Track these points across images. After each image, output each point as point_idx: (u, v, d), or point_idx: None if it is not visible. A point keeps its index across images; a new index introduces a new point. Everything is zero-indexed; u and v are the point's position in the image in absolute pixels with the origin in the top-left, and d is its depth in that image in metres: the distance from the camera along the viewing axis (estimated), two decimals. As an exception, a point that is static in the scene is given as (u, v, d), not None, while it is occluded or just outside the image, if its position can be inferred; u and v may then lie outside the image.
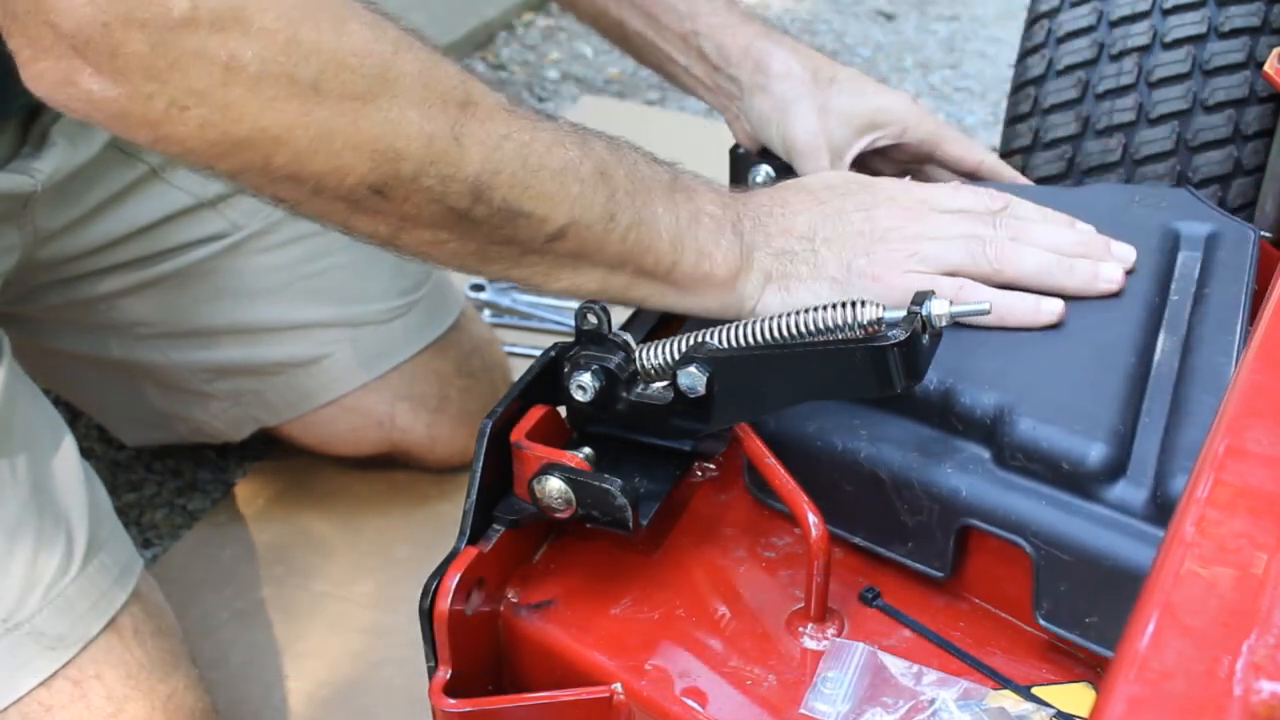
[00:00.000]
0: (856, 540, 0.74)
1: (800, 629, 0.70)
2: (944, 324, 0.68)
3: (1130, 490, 0.67)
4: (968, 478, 0.70)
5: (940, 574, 0.72)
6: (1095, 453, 0.67)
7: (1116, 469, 0.67)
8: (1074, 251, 0.81)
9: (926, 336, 0.68)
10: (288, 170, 0.65)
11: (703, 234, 0.77)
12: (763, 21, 1.01)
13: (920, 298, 0.68)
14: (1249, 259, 0.85)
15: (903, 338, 0.66)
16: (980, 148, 1.02)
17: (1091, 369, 0.74)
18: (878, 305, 0.69)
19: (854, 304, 0.70)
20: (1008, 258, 0.80)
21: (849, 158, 0.97)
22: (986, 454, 0.71)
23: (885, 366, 0.66)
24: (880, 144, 0.99)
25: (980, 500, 0.69)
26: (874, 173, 1.02)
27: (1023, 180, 1.03)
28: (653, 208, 0.76)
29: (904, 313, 0.68)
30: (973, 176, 1.02)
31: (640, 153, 0.78)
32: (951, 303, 0.68)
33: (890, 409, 0.74)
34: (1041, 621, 0.68)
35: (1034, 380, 0.72)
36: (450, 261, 0.74)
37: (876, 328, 0.69)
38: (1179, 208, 0.92)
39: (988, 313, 0.70)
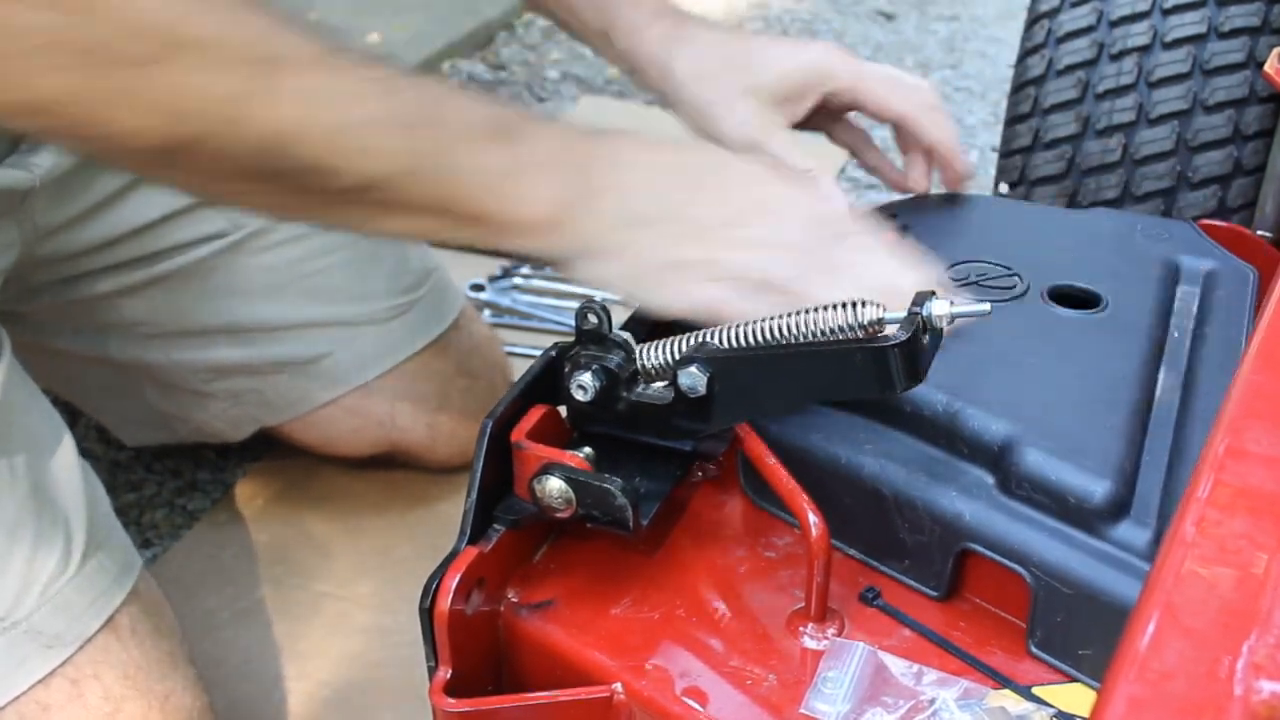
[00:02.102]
0: (852, 553, 0.75)
1: (800, 629, 0.70)
2: (944, 324, 0.68)
3: (1134, 530, 0.67)
4: (971, 503, 0.69)
5: (936, 594, 0.72)
6: (1102, 490, 0.67)
7: (1122, 507, 0.67)
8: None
9: (927, 337, 0.68)
10: (87, 131, 0.68)
11: (519, 184, 0.76)
12: (674, 11, 0.99)
13: (920, 298, 0.68)
14: (1249, 300, 0.85)
15: (904, 338, 0.66)
16: (900, 98, 0.98)
17: (1097, 402, 0.73)
18: (878, 306, 0.69)
19: (854, 304, 0.69)
20: (813, 288, 0.76)
21: (783, 136, 0.95)
22: (991, 480, 0.71)
23: (886, 367, 0.66)
24: (810, 105, 0.97)
25: (983, 526, 0.69)
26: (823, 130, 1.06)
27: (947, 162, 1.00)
28: (461, 158, 0.75)
29: (905, 313, 0.68)
30: (897, 130, 1.01)
31: (473, 98, 0.77)
32: (952, 303, 0.68)
33: (895, 426, 0.74)
34: (1034, 650, 0.68)
35: (1042, 409, 0.72)
36: (263, 210, 0.77)
37: (877, 328, 0.69)
38: (1181, 241, 0.92)
39: (989, 314, 0.70)
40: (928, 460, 0.72)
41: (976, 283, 0.85)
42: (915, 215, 0.97)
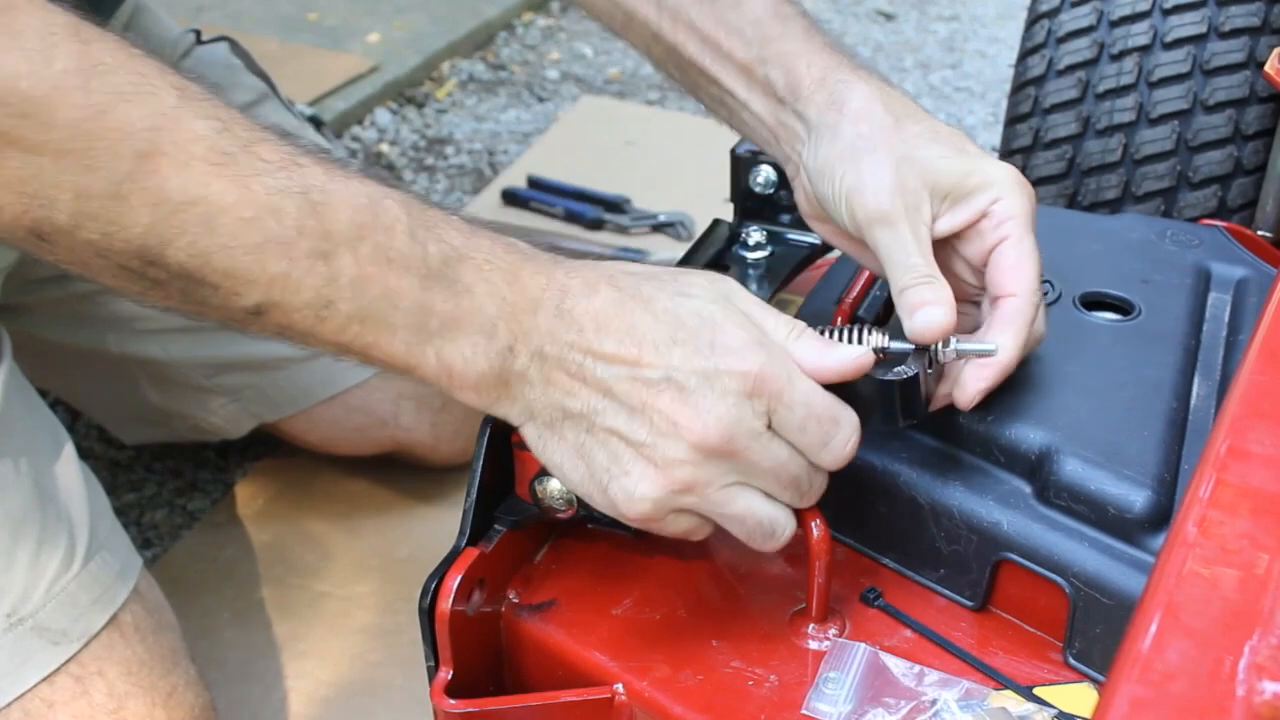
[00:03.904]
0: (887, 563, 0.74)
1: (802, 629, 0.70)
2: (950, 359, 0.68)
3: None
4: (1009, 512, 0.69)
5: (972, 604, 0.71)
6: (1142, 500, 0.67)
7: (1162, 517, 0.67)
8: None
9: (931, 371, 0.67)
10: None
11: (451, 347, 0.64)
12: (849, 53, 0.81)
13: None
14: None
15: (909, 375, 0.65)
16: (1026, 280, 0.71)
17: (1134, 410, 0.73)
18: (883, 334, 0.69)
19: (858, 329, 0.69)
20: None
21: (927, 232, 0.73)
22: (1028, 489, 0.70)
23: (890, 401, 0.66)
24: (961, 220, 0.73)
25: (1021, 536, 0.68)
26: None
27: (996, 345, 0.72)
28: (387, 302, 0.63)
29: (909, 345, 0.67)
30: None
31: (420, 224, 0.64)
32: (958, 339, 0.68)
33: (932, 434, 0.74)
34: (1071, 661, 0.68)
35: (1078, 418, 0.72)
36: (176, 312, 0.65)
37: (881, 356, 0.68)
38: (1212, 247, 0.91)
39: (994, 353, 0.69)
40: (964, 469, 0.72)
41: None
42: None
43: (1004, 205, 0.72)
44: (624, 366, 0.63)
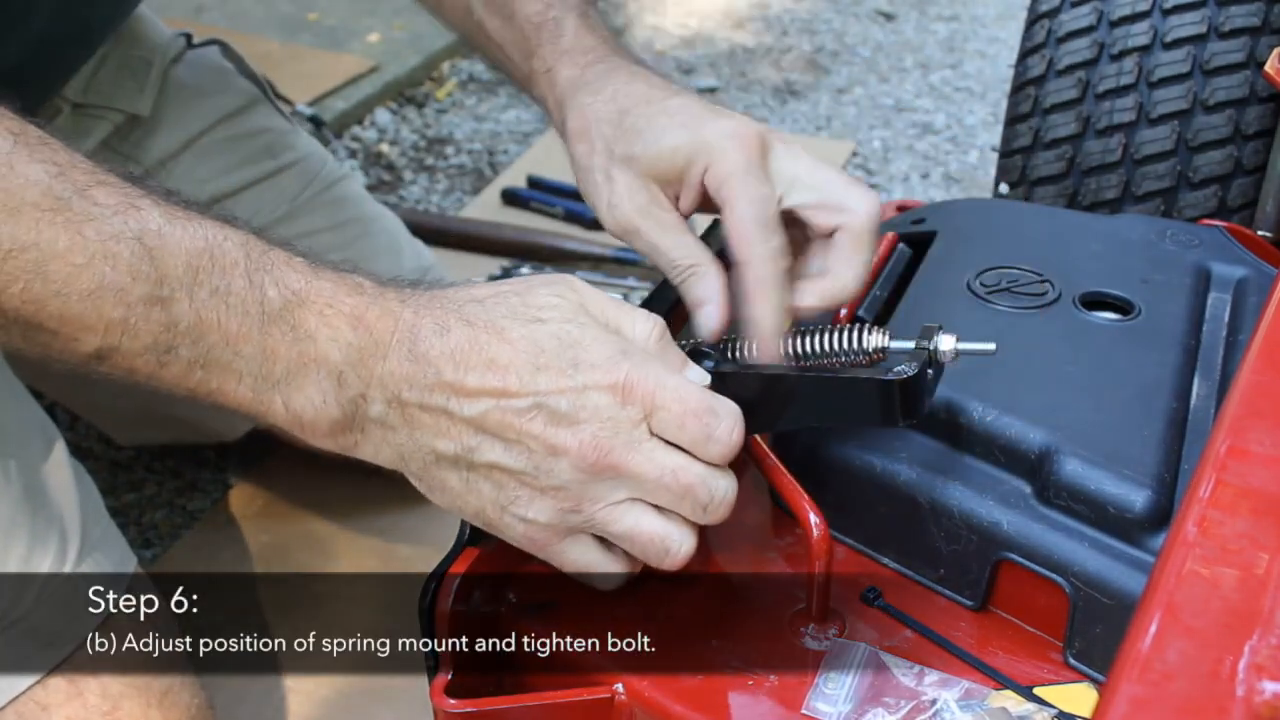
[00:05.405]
0: (886, 563, 0.74)
1: (802, 629, 0.70)
2: (949, 359, 0.68)
3: None
4: (1009, 512, 0.69)
5: (972, 604, 0.71)
6: (1142, 499, 0.67)
7: (1162, 517, 0.67)
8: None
9: (931, 371, 0.67)
10: None
11: (300, 395, 0.64)
12: (597, 46, 0.80)
13: (928, 331, 0.67)
14: None
15: (910, 374, 0.65)
16: (760, 238, 0.70)
17: (1134, 410, 0.73)
18: (884, 334, 0.69)
19: (859, 329, 0.69)
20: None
21: (668, 220, 0.74)
22: (1028, 489, 0.70)
23: (890, 400, 0.66)
24: (690, 201, 0.74)
25: (1021, 536, 0.68)
26: None
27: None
28: (228, 347, 0.63)
29: (911, 344, 0.67)
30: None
31: (259, 267, 0.64)
32: (958, 339, 0.68)
33: (932, 434, 0.74)
34: (1071, 661, 0.68)
35: (1078, 418, 0.72)
36: (14, 351, 0.66)
37: (881, 355, 0.69)
38: (1212, 247, 0.91)
39: (994, 353, 0.69)
40: (964, 469, 0.72)
41: (1008, 289, 0.84)
42: (944, 221, 0.96)
43: (714, 171, 0.72)
44: (491, 400, 0.63)
